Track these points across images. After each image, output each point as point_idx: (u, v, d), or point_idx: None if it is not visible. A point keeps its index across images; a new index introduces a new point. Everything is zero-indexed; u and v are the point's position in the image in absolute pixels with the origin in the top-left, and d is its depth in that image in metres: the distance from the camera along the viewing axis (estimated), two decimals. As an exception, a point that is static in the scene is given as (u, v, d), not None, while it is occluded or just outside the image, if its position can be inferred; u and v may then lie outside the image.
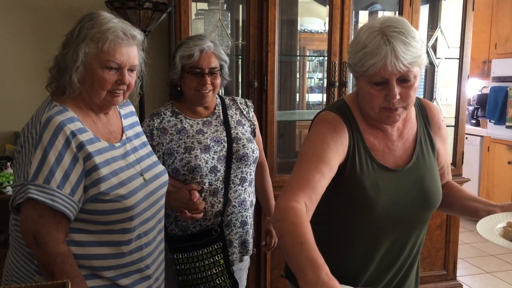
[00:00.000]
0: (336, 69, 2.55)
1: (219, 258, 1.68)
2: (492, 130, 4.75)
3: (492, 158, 4.77)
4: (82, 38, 1.22)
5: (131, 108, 1.49)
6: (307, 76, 3.81)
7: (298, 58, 3.31)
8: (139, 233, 1.31)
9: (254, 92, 2.43)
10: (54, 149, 1.15)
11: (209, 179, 1.67)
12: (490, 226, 1.18)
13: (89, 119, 1.29)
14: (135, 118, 1.49)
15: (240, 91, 2.78)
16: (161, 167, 1.46)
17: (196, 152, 1.66)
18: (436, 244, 2.95)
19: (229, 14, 2.64)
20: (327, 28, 2.59)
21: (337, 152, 1.20)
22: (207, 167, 1.66)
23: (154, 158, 1.46)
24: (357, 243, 1.26)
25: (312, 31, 3.51)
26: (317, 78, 3.96)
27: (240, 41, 2.73)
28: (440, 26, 2.96)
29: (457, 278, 3.08)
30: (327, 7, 2.56)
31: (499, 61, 4.67)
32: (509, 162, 4.55)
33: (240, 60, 2.77)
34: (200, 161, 1.65)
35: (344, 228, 1.25)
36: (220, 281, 1.68)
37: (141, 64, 1.35)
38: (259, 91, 2.44)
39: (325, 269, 0.92)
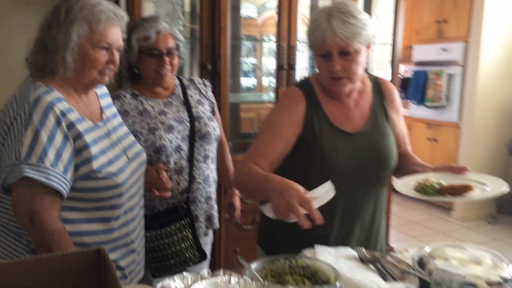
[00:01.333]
0: (285, 52, 2.68)
1: (188, 233, 1.76)
2: (413, 110, 5.19)
3: (414, 136, 5.23)
4: (73, 19, 1.23)
5: (105, 89, 1.51)
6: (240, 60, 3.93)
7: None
8: (125, 209, 1.37)
9: (208, 75, 2.49)
10: (46, 129, 1.17)
11: (174, 158, 1.73)
12: (407, 181, 1.36)
13: (73, 99, 1.31)
14: (109, 99, 1.52)
15: (193, 74, 2.82)
16: (139, 146, 1.51)
17: (160, 133, 1.70)
18: (373, 214, 3.24)
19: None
20: (257, 13, 2.70)
21: (290, 123, 1.39)
22: (171, 146, 1.71)
23: (132, 137, 1.50)
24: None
25: (246, 16, 3.60)
26: (250, 63, 4.08)
27: (193, 25, 2.75)
28: (376, 14, 3.20)
29: (389, 243, 3.42)
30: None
31: (420, 47, 5.09)
32: (428, 139, 5.02)
33: (191, 43, 2.80)
34: (164, 141, 1.70)
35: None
36: (190, 254, 1.77)
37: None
38: (212, 74, 2.51)
39: (275, 175, 1.19)
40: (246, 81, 3.99)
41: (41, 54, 1.26)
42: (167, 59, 1.71)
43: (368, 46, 1.40)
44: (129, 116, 1.71)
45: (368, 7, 3.31)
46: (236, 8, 3.06)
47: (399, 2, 3.12)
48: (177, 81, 1.86)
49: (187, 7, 2.84)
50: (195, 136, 1.77)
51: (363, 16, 1.35)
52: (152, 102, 1.77)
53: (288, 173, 1.28)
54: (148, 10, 2.52)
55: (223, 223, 2.55)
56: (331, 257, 1.24)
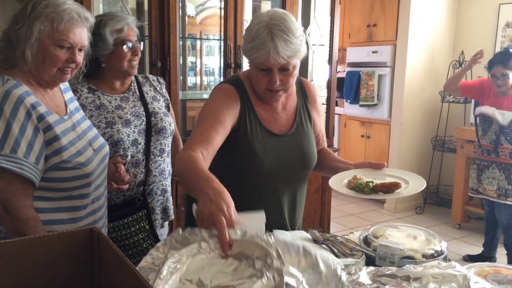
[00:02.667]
0: (232, 52, 2.78)
1: (145, 224, 1.81)
2: (348, 109, 5.49)
3: (348, 133, 5.53)
4: (37, 15, 1.27)
5: (67, 83, 1.55)
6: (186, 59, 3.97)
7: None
8: (92, 198, 1.43)
9: (157, 72, 2.52)
10: (17, 121, 1.22)
11: (131, 152, 1.77)
12: (339, 179, 1.47)
13: (39, 93, 1.34)
14: (71, 94, 1.56)
15: (144, 71, 2.83)
16: (102, 139, 1.55)
17: (118, 127, 1.74)
18: (314, 206, 3.42)
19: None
20: (195, 12, 2.77)
21: (229, 114, 1.44)
22: (129, 140, 1.76)
23: (95, 130, 1.55)
24: (245, 198, 1.45)
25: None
26: (190, 62, 4.13)
27: (140, 22, 2.76)
28: (315, 17, 3.38)
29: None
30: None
31: (353, 49, 5.38)
32: (362, 136, 5.33)
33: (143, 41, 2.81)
34: (122, 135, 1.74)
35: (233, 185, 1.30)
36: (147, 244, 1.82)
37: (88, 45, 1.44)
38: (162, 71, 2.54)
39: (216, 179, 1.13)
40: (191, 80, 4.03)
41: (5, 47, 1.30)
42: (139, 50, 1.79)
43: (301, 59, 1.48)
44: (86, 110, 1.73)
45: (307, 11, 3.49)
46: (181, 7, 3.10)
47: (335, 6, 3.33)
48: (132, 78, 1.91)
49: (132, 5, 2.84)
50: (151, 130, 1.82)
51: (300, 31, 1.40)
52: (109, 97, 1.80)
53: (218, 171, 1.27)
54: (96, 6, 2.50)
55: (180, 216, 2.59)
56: (288, 239, 1.35)
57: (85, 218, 1.41)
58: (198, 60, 3.80)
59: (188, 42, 3.63)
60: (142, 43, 1.84)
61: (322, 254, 1.25)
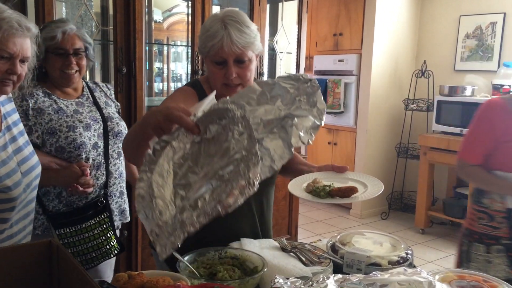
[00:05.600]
0: (199, 58, 2.75)
1: (107, 226, 1.81)
2: (315, 116, 5.54)
3: (316, 140, 5.57)
4: None
5: (9, 94, 1.45)
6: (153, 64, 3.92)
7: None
8: (11, 222, 1.33)
9: (123, 78, 2.47)
10: None
11: (92, 155, 1.77)
12: (299, 183, 1.46)
13: None
14: (13, 105, 1.47)
15: (108, 77, 2.76)
16: (36, 159, 1.47)
17: (79, 130, 1.74)
18: (282, 213, 3.43)
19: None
20: (161, 18, 2.74)
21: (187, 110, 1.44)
22: (90, 143, 1.76)
23: (30, 148, 1.46)
24: None
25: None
26: (156, 67, 4.08)
27: (105, 27, 2.70)
28: (282, 25, 3.40)
29: (298, 240, 3.63)
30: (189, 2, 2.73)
31: (319, 57, 5.46)
32: (329, 143, 5.40)
33: (103, 45, 2.75)
34: (84, 138, 1.74)
35: None
36: (110, 246, 1.82)
37: (33, 56, 1.38)
38: (127, 77, 2.49)
39: None
40: (158, 86, 3.98)
41: None
42: (73, 59, 1.75)
43: (257, 56, 1.47)
44: (44, 114, 1.71)
45: (275, 19, 3.51)
46: (148, 12, 3.06)
47: (302, 14, 3.37)
48: (83, 83, 1.91)
49: (96, 8, 2.78)
50: (109, 134, 1.83)
51: (254, 27, 1.41)
52: (65, 101, 1.80)
53: None
54: (58, 10, 2.43)
55: (140, 227, 2.54)
56: (256, 248, 1.34)
57: (1, 243, 1.29)
58: (165, 66, 3.76)
59: (155, 48, 3.58)
60: (87, 52, 1.80)
61: (290, 263, 1.26)
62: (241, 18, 1.38)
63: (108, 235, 1.81)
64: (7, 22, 1.23)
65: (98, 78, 2.86)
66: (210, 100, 1.11)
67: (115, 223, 1.89)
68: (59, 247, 0.71)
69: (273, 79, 1.09)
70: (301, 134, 0.99)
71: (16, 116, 1.46)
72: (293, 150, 0.99)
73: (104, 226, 1.80)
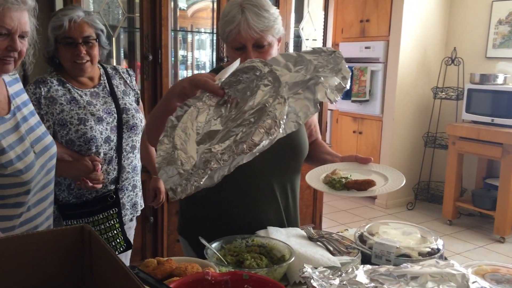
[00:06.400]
0: (224, 45, 2.73)
1: (115, 222, 1.78)
2: (340, 104, 5.47)
3: (340, 129, 5.52)
4: None
5: (15, 75, 1.42)
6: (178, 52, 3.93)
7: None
8: (29, 205, 1.31)
9: (149, 65, 2.48)
10: None
11: (103, 149, 1.73)
12: (317, 173, 1.40)
13: None
14: (20, 86, 1.42)
15: (135, 64, 2.78)
16: (49, 139, 1.43)
17: (90, 124, 1.69)
18: (306, 202, 3.41)
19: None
20: (186, 5, 2.73)
21: None
22: (101, 137, 1.71)
23: (43, 128, 1.43)
24: (239, 190, 1.43)
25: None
26: (180, 55, 4.08)
27: (134, 14, 2.71)
28: (308, 11, 3.35)
29: (322, 229, 3.61)
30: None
31: (345, 44, 5.36)
32: (354, 131, 5.33)
33: (129, 32, 2.76)
34: (95, 132, 1.69)
35: (225, 178, 1.41)
36: (116, 243, 1.80)
37: (33, 31, 1.31)
38: (153, 64, 2.50)
39: None
40: (182, 74, 3.98)
41: None
42: (83, 48, 1.67)
43: (279, 40, 1.45)
44: (56, 104, 1.67)
45: (300, 6, 3.46)
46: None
47: (329, 1, 3.30)
48: (102, 70, 1.84)
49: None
50: (123, 127, 1.78)
51: (274, 10, 1.39)
52: (80, 91, 1.74)
53: None
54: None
55: (165, 213, 2.56)
56: (283, 236, 1.33)
57: (19, 227, 1.28)
58: (189, 54, 3.76)
59: (180, 35, 3.58)
60: (99, 39, 1.73)
61: (318, 252, 1.24)
62: (259, 2, 1.36)
63: (115, 231, 1.77)
64: None
65: (124, 65, 2.87)
66: (235, 66, 1.11)
67: (126, 217, 1.86)
68: (91, 232, 0.72)
69: (297, 52, 1.09)
70: (327, 91, 0.99)
71: (25, 96, 1.42)
72: (318, 106, 0.99)
73: (112, 222, 1.76)
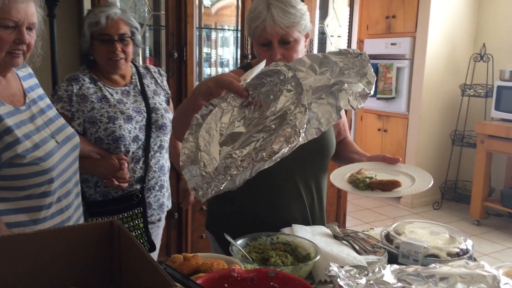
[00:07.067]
0: (249, 42, 2.73)
1: (139, 222, 1.78)
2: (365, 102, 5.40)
3: (365, 126, 5.46)
4: None
5: (29, 70, 1.42)
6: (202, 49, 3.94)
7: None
8: (59, 196, 1.30)
9: (174, 62, 2.50)
10: None
11: (132, 148, 1.73)
12: (343, 172, 1.39)
13: None
14: (35, 80, 1.42)
15: (160, 62, 2.81)
16: (71, 129, 1.43)
17: (120, 122, 1.69)
18: (330, 200, 3.38)
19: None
20: (210, 3, 2.73)
21: None
22: (130, 136, 1.71)
23: (63, 120, 1.42)
24: (264, 188, 1.43)
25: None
26: (204, 52, 4.10)
27: (160, 12, 2.74)
28: (333, 8, 3.31)
29: (346, 228, 3.58)
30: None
31: (370, 41, 5.29)
32: (378, 129, 5.26)
33: (155, 30, 2.79)
34: (124, 131, 1.69)
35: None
36: (139, 243, 1.79)
37: (41, 22, 1.29)
38: (178, 62, 2.52)
39: None
40: (206, 71, 4.00)
41: None
42: (119, 45, 1.68)
43: (307, 36, 1.44)
44: (87, 102, 1.68)
45: (325, 2, 3.43)
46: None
47: (355, -4, 3.27)
48: (134, 69, 1.84)
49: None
50: (152, 127, 1.77)
51: (302, 6, 1.38)
52: (111, 89, 1.75)
53: None
54: (113, -4, 2.48)
55: (189, 210, 2.58)
56: (308, 234, 1.32)
57: (51, 219, 1.28)
58: (213, 51, 3.77)
59: (204, 33, 3.59)
60: (133, 37, 1.73)
61: (344, 251, 1.23)
62: None
63: (139, 231, 1.77)
64: None
65: (147, 63, 2.90)
66: (260, 67, 1.12)
67: (153, 217, 1.84)
68: (121, 227, 0.73)
69: (323, 53, 1.09)
70: (350, 98, 0.98)
71: (40, 91, 1.41)
72: (341, 113, 0.98)
73: (136, 221, 1.77)
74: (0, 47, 1.17)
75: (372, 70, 1.03)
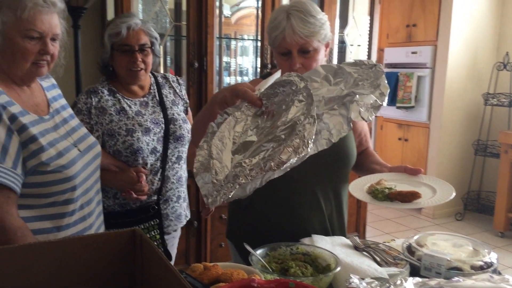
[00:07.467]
0: (268, 52, 2.75)
1: (155, 233, 1.77)
2: (384, 111, 5.35)
3: (385, 136, 5.41)
4: None
5: (52, 81, 1.45)
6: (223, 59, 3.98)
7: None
8: (81, 203, 1.32)
9: (194, 72, 2.52)
10: None
11: (150, 160, 1.73)
12: (362, 182, 1.37)
13: (14, 92, 1.24)
14: (58, 91, 1.45)
15: (181, 71, 2.85)
16: (92, 139, 1.45)
17: (138, 135, 1.69)
18: (350, 209, 3.34)
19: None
20: (230, 12, 2.75)
21: None
22: (148, 148, 1.71)
23: (85, 130, 1.45)
24: (283, 196, 1.43)
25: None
26: (224, 62, 4.13)
27: (179, 22, 2.78)
28: (353, 17, 3.31)
29: (366, 238, 3.53)
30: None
31: (391, 50, 5.25)
32: (399, 138, 5.20)
33: (176, 40, 2.83)
34: (142, 143, 1.69)
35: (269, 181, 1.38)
36: None
37: (64, 33, 1.31)
38: (199, 71, 2.54)
39: None
40: (225, 80, 4.03)
41: None
42: (139, 55, 1.68)
43: (327, 45, 1.44)
44: (106, 114, 1.69)
45: (345, 11, 3.42)
46: (218, 7, 3.10)
47: (375, 5, 3.25)
48: (152, 79, 1.84)
49: (171, 5, 2.86)
50: (169, 138, 1.77)
51: (322, 15, 1.39)
52: (129, 101, 1.75)
53: None
54: (135, 6, 2.53)
55: (209, 218, 2.59)
56: (328, 245, 1.31)
57: (73, 226, 1.29)
58: (233, 60, 3.80)
59: (223, 42, 3.63)
60: (153, 47, 1.73)
61: (364, 262, 1.21)
62: (305, 8, 1.36)
63: (155, 243, 1.76)
64: (31, 0, 1.17)
65: (170, 73, 2.94)
66: (275, 77, 1.13)
67: (169, 228, 1.84)
68: (143, 236, 0.74)
69: (337, 64, 1.09)
70: (362, 110, 0.98)
71: (63, 101, 1.44)
72: (351, 125, 0.98)
73: (152, 233, 1.76)
74: (25, 57, 1.21)
75: (386, 82, 1.03)
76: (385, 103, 1.01)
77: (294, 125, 0.93)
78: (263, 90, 1.07)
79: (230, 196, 0.88)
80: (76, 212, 1.30)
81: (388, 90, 1.02)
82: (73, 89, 2.38)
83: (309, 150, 0.90)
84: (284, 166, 0.89)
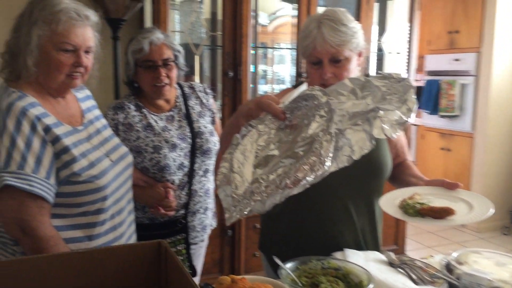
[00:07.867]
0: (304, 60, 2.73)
1: (182, 248, 1.77)
2: (426, 119, 5.20)
3: (427, 145, 5.24)
4: (34, 20, 1.20)
5: (87, 92, 1.48)
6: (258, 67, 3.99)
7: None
8: (112, 213, 1.34)
9: (229, 81, 2.54)
10: (22, 135, 1.15)
11: (177, 176, 1.73)
12: (394, 196, 1.30)
13: (49, 103, 1.27)
14: (93, 102, 1.48)
15: (216, 81, 2.88)
16: (125, 149, 1.47)
17: (164, 152, 1.68)
18: (388, 222, 3.25)
19: (206, 6, 2.72)
20: (268, 21, 2.75)
21: None
22: (175, 164, 1.70)
23: (117, 140, 1.47)
24: (313, 208, 1.40)
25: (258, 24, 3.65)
26: (261, 70, 4.13)
27: (214, 32, 2.81)
28: (391, 24, 3.24)
29: (406, 252, 3.42)
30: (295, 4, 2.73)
31: (432, 57, 5.10)
32: (441, 148, 5.03)
33: (212, 50, 2.86)
34: (169, 160, 1.69)
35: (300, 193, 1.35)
36: None
37: (97, 45, 1.34)
38: (233, 80, 2.56)
39: None
40: (262, 88, 4.05)
41: (9, 58, 1.24)
42: (163, 70, 1.67)
43: (360, 54, 1.40)
44: (133, 131, 1.69)
45: (383, 18, 3.36)
46: (254, 16, 3.12)
47: (414, 12, 3.17)
48: (179, 91, 1.82)
49: (207, 15, 2.90)
50: (196, 152, 1.75)
51: (354, 24, 1.36)
52: (155, 116, 1.74)
53: None
54: (172, 18, 2.58)
55: (243, 228, 2.59)
56: (361, 260, 1.27)
57: (104, 235, 1.31)
58: (270, 69, 3.80)
59: (260, 51, 3.64)
60: (177, 60, 1.72)
61: (399, 280, 1.16)
62: (337, 17, 1.34)
63: (181, 257, 1.75)
64: (65, 14, 1.20)
65: (207, 83, 2.96)
66: (300, 90, 1.12)
67: (196, 239, 1.83)
68: (167, 249, 0.74)
69: (365, 77, 1.07)
70: (385, 126, 0.94)
71: (97, 112, 1.47)
72: (374, 142, 0.94)
73: (179, 247, 1.75)
74: (60, 69, 1.24)
75: (414, 97, 0.99)
76: (410, 120, 0.97)
77: (313, 141, 0.91)
78: (287, 103, 1.06)
79: (246, 213, 0.87)
80: (107, 222, 1.32)
81: (416, 106, 0.98)
82: (112, 100, 2.44)
83: (326, 167, 0.88)
84: (301, 184, 0.87)
